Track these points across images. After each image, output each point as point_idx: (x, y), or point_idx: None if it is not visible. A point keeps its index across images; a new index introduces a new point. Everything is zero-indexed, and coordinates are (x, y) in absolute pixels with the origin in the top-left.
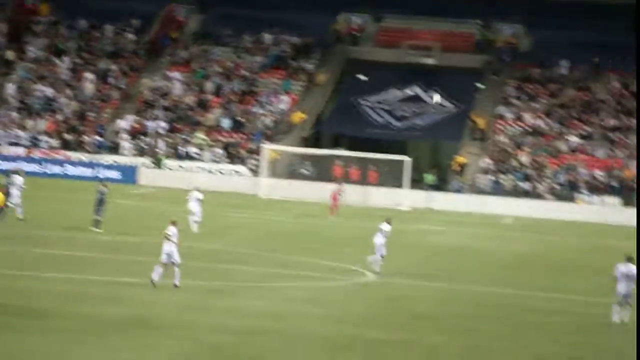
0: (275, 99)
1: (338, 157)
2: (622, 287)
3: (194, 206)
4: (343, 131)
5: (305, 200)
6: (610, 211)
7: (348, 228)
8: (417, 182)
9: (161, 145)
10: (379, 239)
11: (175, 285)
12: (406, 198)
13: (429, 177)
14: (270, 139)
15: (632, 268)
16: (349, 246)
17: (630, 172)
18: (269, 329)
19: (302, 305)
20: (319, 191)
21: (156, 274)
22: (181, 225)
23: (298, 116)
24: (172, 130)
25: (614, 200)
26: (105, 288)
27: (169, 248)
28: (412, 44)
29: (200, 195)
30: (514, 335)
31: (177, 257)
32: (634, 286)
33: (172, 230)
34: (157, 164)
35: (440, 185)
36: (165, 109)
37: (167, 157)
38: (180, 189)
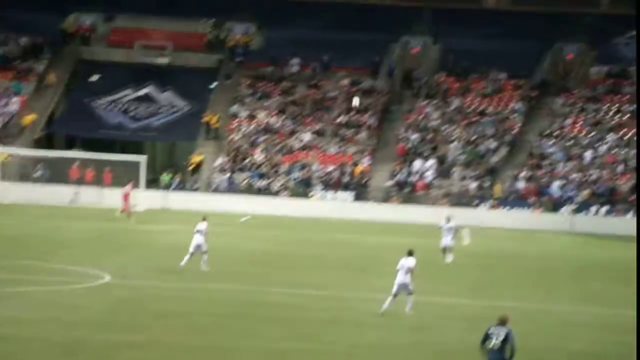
0: (5, 100)
1: (73, 158)
2: (401, 278)
3: None
4: (76, 132)
5: (40, 203)
6: (343, 206)
7: (83, 231)
8: (153, 183)
9: None
10: (198, 239)
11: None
12: (142, 199)
13: (165, 177)
14: (0, 141)
15: (412, 261)
16: (84, 248)
17: (361, 167)
18: (4, 335)
19: (38, 310)
20: (53, 194)
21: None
22: None
23: (29, 118)
24: None
25: (346, 196)
26: None
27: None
28: (145, 43)
29: None
30: (252, 331)
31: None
32: (410, 279)
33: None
34: None
35: (177, 185)
36: None
37: None
38: None
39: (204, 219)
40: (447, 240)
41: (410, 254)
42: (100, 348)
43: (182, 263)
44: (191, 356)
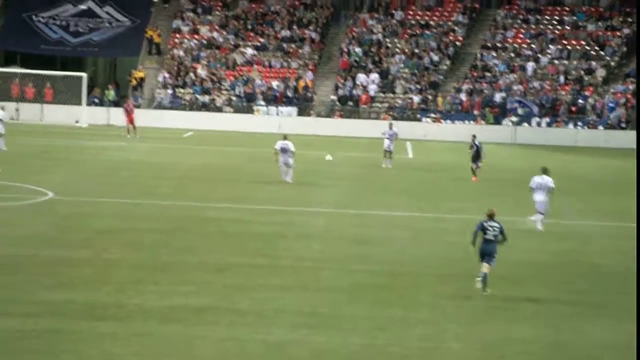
0: None
1: (13, 74)
2: (540, 198)
3: None
4: (16, 48)
5: None
6: (287, 121)
7: (25, 146)
8: (98, 99)
9: None
10: (283, 157)
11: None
12: (85, 115)
13: (109, 94)
14: None
15: (548, 180)
16: (26, 164)
17: (304, 82)
18: None
19: None
20: None
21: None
22: None
23: None
24: None
25: (290, 110)
26: None
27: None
28: None
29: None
30: (195, 246)
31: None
32: (547, 198)
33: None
34: None
35: (119, 102)
36: None
37: None
38: None
39: (285, 138)
40: (388, 144)
41: (545, 172)
42: (45, 264)
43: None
44: (134, 271)
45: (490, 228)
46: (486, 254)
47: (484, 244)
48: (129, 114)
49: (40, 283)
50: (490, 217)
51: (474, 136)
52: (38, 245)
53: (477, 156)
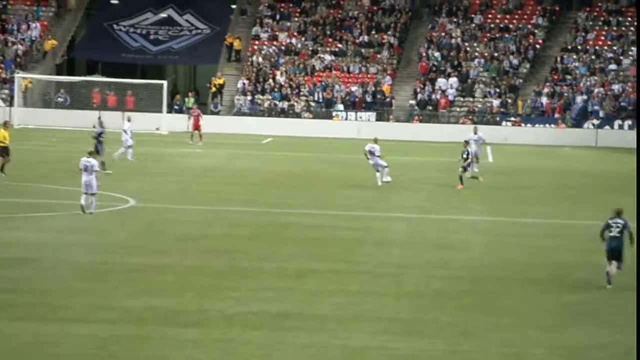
0: (26, 26)
1: (94, 83)
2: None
3: None
4: (97, 57)
5: (62, 128)
6: (366, 126)
7: (107, 154)
8: (178, 107)
9: None
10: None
11: None
12: (165, 122)
13: (189, 101)
14: (23, 67)
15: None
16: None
17: (383, 87)
18: (26, 259)
19: (60, 234)
20: (75, 119)
21: None
22: None
23: (49, 43)
24: None
25: (368, 116)
26: None
27: None
28: None
29: None
30: (274, 252)
31: None
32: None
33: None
34: None
35: (200, 108)
36: None
37: None
38: None
39: (375, 141)
40: (474, 149)
41: (619, 214)
42: (127, 271)
43: (382, 181)
44: (214, 278)
45: (614, 225)
46: (613, 251)
47: (610, 241)
48: (195, 120)
49: (123, 290)
50: (618, 214)
51: (467, 142)
52: (120, 252)
53: (470, 163)
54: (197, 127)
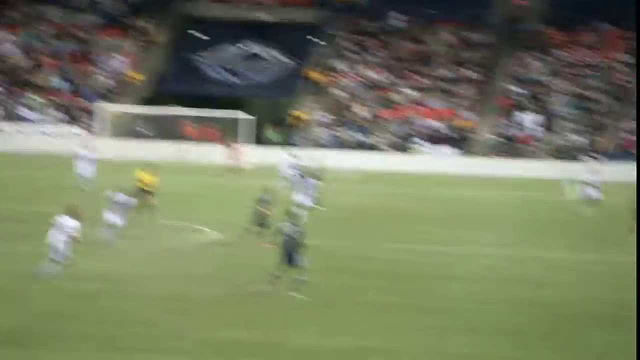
0: (112, 58)
1: (180, 116)
2: None
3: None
4: (182, 89)
5: (148, 160)
6: (447, 161)
7: (192, 185)
8: (259, 139)
9: None
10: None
11: None
12: (248, 155)
13: (273, 134)
14: (109, 99)
15: None
16: (192, 203)
17: (464, 121)
18: (108, 290)
19: (141, 265)
20: (159, 150)
21: None
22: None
23: (135, 75)
24: (7, 93)
25: (450, 150)
26: None
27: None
28: None
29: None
30: (355, 285)
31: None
32: None
33: None
34: None
35: (283, 141)
36: None
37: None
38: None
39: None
40: (591, 191)
41: None
42: (211, 303)
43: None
44: (298, 310)
45: None
46: None
47: None
48: (235, 154)
49: (206, 322)
50: None
51: (265, 190)
52: (205, 283)
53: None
54: (237, 160)
